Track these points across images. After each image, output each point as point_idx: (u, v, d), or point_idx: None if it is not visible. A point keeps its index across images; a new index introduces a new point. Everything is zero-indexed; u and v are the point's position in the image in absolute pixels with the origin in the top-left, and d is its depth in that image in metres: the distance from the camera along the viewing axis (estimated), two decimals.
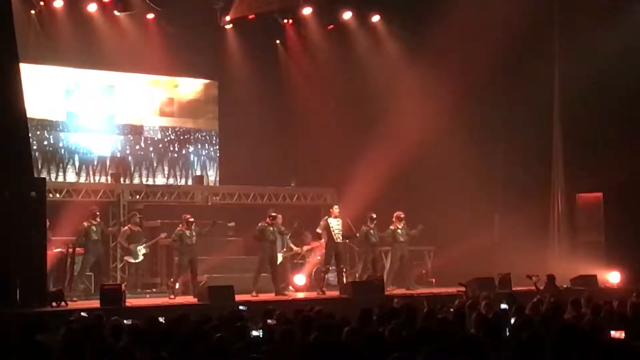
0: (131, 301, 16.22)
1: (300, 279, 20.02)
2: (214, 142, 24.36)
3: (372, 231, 19.70)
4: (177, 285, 18.62)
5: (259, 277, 18.52)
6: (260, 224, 18.90)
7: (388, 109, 22.58)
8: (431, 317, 10.59)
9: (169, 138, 23.77)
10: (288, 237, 20.36)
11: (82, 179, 22.17)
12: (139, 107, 23.37)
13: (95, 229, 18.40)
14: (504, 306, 12.29)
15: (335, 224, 19.25)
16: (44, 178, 18.66)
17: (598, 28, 20.68)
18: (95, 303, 15.78)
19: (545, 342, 7.53)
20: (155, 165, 23.46)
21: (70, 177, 22.11)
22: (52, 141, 22.05)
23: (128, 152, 23.12)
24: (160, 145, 23.62)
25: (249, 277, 18.42)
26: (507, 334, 9.26)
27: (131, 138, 23.21)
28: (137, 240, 19.57)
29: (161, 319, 10.95)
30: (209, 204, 21.74)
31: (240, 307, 13.29)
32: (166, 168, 23.60)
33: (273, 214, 19.10)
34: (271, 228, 18.83)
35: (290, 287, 19.64)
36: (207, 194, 22.11)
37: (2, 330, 9.49)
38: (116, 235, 19.83)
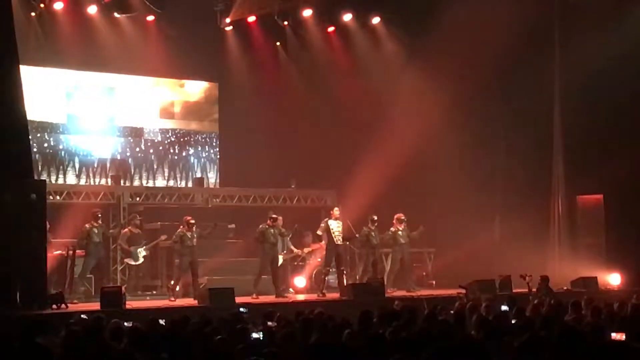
0: (131, 303, 16.21)
1: (300, 281, 20.03)
2: (214, 144, 24.36)
3: (372, 233, 19.71)
4: (178, 288, 18.60)
5: (260, 279, 18.53)
6: (260, 226, 18.91)
7: (388, 111, 22.58)
8: (432, 319, 10.59)
9: (169, 140, 23.78)
10: (288, 238, 20.37)
11: (83, 181, 22.17)
12: (139, 109, 23.38)
13: (96, 231, 18.40)
14: (504, 308, 12.29)
15: (336, 226, 19.24)
16: (44, 180, 18.66)
17: (598, 30, 20.66)
18: (96, 305, 15.76)
19: (545, 344, 7.53)
20: (155, 167, 23.46)
21: (71, 179, 22.11)
22: (52, 143, 22.05)
23: (128, 154, 23.13)
24: (161, 148, 23.62)
25: (249, 279, 18.41)
26: (508, 336, 9.25)
27: (131, 140, 23.21)
28: (138, 242, 19.57)
29: (161, 321, 10.96)
30: (209, 206, 21.74)
31: (241, 310, 13.28)
32: (166, 170, 23.60)
33: (273, 216, 19.10)
34: (272, 230, 18.84)
35: (291, 289, 19.64)
36: (207, 196, 22.10)
37: (2, 333, 9.47)
38: (116, 237, 19.82)
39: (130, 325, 10.24)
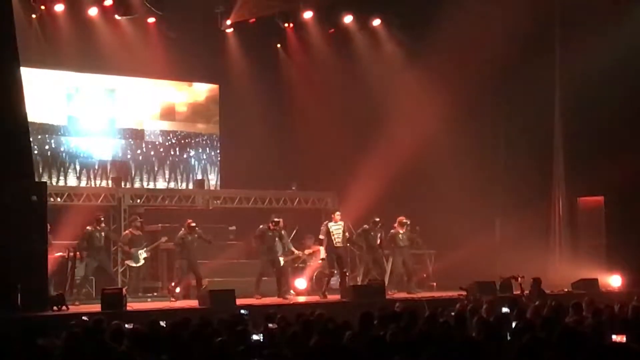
0: (132, 305, 16.19)
1: (301, 282, 20.01)
2: (215, 145, 24.36)
3: (372, 233, 19.71)
4: (178, 289, 18.61)
5: (261, 281, 18.53)
6: (261, 226, 18.93)
7: (389, 113, 22.58)
8: (432, 321, 10.58)
9: (169, 142, 23.78)
10: (289, 240, 20.34)
11: (83, 183, 22.17)
12: (140, 111, 23.38)
13: (98, 235, 18.41)
14: (505, 310, 12.28)
15: (336, 229, 19.23)
16: (45, 182, 18.68)
17: (598, 31, 20.67)
18: (96, 307, 15.74)
19: (546, 346, 7.53)
20: (156, 169, 23.46)
21: (71, 181, 22.10)
22: (53, 145, 22.05)
23: (129, 156, 23.13)
24: (161, 149, 23.62)
25: (250, 281, 18.42)
26: (509, 337, 9.25)
27: (132, 142, 23.21)
28: (138, 244, 19.56)
29: (162, 323, 10.95)
30: (210, 207, 21.73)
31: (242, 311, 13.28)
32: (167, 172, 23.59)
33: (276, 219, 19.09)
34: (270, 233, 18.85)
35: (292, 291, 19.62)
36: (208, 197, 22.09)
37: (3, 335, 9.47)
38: (117, 239, 19.82)
39: (131, 326, 10.25)
